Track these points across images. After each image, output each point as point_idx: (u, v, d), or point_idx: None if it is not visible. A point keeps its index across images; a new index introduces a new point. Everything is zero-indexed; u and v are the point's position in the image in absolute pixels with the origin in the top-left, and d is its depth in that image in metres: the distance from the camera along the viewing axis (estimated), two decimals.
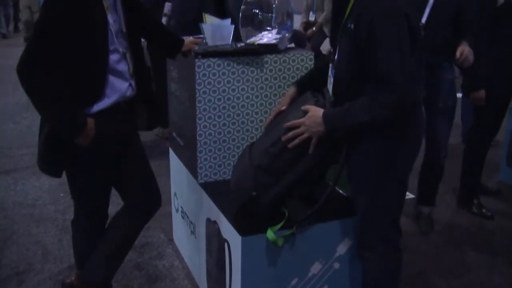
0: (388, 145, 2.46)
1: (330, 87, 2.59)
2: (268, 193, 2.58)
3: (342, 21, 2.46)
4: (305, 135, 2.47)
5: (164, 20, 5.62)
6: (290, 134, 2.50)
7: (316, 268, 2.77)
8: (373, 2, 2.31)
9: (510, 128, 5.31)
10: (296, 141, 2.49)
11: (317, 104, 2.52)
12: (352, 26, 2.35)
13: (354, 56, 2.37)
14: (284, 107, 2.75)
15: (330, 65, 2.59)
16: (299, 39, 3.50)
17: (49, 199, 4.83)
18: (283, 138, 2.52)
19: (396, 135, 2.45)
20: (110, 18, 2.73)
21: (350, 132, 2.46)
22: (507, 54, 4.28)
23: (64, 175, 2.89)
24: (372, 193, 2.53)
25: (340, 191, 2.97)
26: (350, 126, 2.39)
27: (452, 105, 4.13)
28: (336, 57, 2.53)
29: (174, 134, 3.60)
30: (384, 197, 2.53)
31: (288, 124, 2.52)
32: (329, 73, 2.61)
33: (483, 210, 4.60)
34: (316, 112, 2.46)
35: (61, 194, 4.81)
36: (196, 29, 3.32)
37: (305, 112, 2.50)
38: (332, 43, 2.59)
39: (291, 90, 2.83)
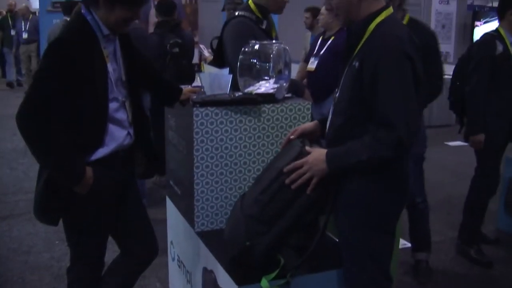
0: (375, 195, 2.47)
1: (328, 123, 2.63)
2: (262, 242, 2.56)
3: (350, 59, 2.51)
4: (308, 175, 2.47)
5: None
6: (294, 175, 2.50)
7: None
8: (379, 43, 2.36)
9: (507, 176, 5.33)
10: (300, 181, 2.49)
11: (302, 150, 2.54)
12: (357, 64, 2.40)
13: (356, 93, 2.41)
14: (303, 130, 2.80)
15: (333, 101, 2.64)
16: (296, 89, 3.51)
17: (44, 246, 4.80)
18: (287, 181, 2.51)
19: (384, 185, 2.47)
20: (110, 67, 2.76)
21: (339, 176, 2.48)
22: (505, 101, 4.37)
23: (60, 221, 2.88)
24: (360, 243, 2.53)
25: (333, 237, 2.95)
26: (351, 164, 2.40)
27: (423, 151, 4.23)
28: (338, 93, 2.57)
29: (171, 182, 3.60)
30: (371, 247, 2.52)
31: (290, 166, 2.52)
32: (330, 109, 2.66)
33: (482, 257, 4.59)
34: (319, 151, 2.50)
35: (57, 242, 4.79)
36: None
37: (296, 158, 2.52)
38: (338, 81, 2.62)
39: (314, 123, 2.85)
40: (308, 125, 2.86)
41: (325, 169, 2.45)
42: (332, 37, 5.24)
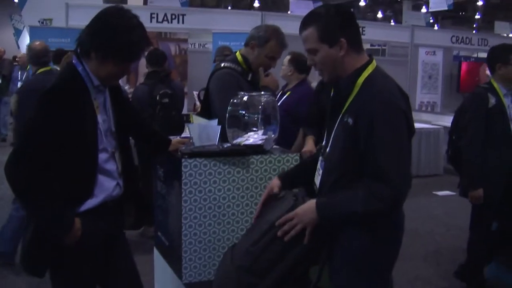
0: (368, 246, 2.46)
1: (317, 179, 2.62)
2: None
3: (339, 115, 2.52)
4: (299, 226, 2.46)
5: None
6: (286, 226, 2.48)
7: None
8: (373, 98, 2.38)
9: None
10: (292, 232, 2.47)
11: (296, 203, 2.54)
12: (351, 121, 2.41)
13: (351, 150, 2.42)
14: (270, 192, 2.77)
15: (320, 158, 2.64)
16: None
17: None
18: (279, 233, 2.50)
19: (377, 236, 2.46)
20: (100, 118, 2.77)
21: (334, 227, 2.48)
22: (501, 154, 4.40)
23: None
24: None
25: None
26: (343, 215, 2.41)
27: None
28: (328, 149, 2.57)
29: (159, 233, 3.58)
30: None
31: (281, 220, 2.51)
32: (318, 165, 2.65)
33: None
34: (308, 202, 2.48)
35: None
36: None
37: (288, 211, 2.51)
38: (326, 136, 2.63)
39: (275, 182, 2.83)
40: (275, 183, 2.82)
41: (316, 219, 2.44)
42: (289, 92, 5.26)
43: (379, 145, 2.33)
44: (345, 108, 2.49)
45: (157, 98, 6.03)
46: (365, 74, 2.49)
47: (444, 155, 8.12)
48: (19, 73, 13.30)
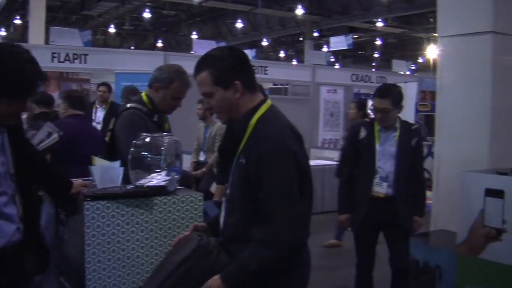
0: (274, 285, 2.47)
1: (221, 221, 2.63)
2: None
3: (235, 156, 2.53)
4: None
5: None
6: None
7: None
8: (263, 139, 2.40)
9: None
10: None
11: (200, 243, 2.52)
12: (244, 161, 2.43)
13: (247, 191, 2.43)
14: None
15: (224, 199, 2.65)
16: (187, 180, 3.56)
17: None
18: None
19: (283, 277, 2.46)
20: None
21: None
22: (361, 185, 4.63)
23: None
24: None
25: None
26: (247, 277, 2.38)
27: None
28: (228, 191, 2.59)
29: (62, 279, 3.49)
30: None
31: None
32: (222, 207, 2.65)
33: None
34: (213, 278, 2.41)
35: None
36: None
37: (194, 251, 2.50)
38: (226, 178, 2.65)
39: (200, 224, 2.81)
40: (201, 224, 2.83)
41: (222, 285, 2.38)
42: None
43: (266, 188, 2.35)
44: (240, 149, 2.50)
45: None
46: (259, 114, 2.50)
47: None
48: None
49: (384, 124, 4.55)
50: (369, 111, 7.88)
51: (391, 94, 4.46)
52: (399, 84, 5.07)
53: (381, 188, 4.50)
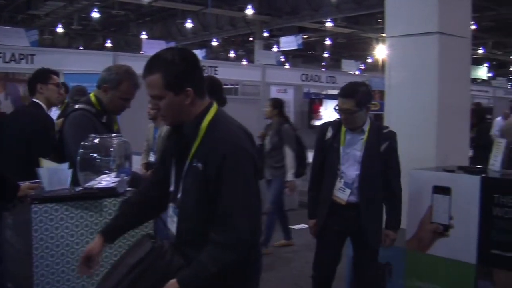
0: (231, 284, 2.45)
1: (173, 226, 2.59)
2: None
3: (186, 159, 2.51)
4: None
5: None
6: None
7: None
8: (222, 142, 2.40)
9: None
10: None
11: (154, 245, 2.50)
12: (200, 165, 2.41)
13: (203, 195, 2.41)
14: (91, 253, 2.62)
15: (171, 204, 2.61)
16: (137, 181, 3.52)
17: None
18: None
19: (238, 275, 2.45)
20: None
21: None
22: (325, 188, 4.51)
23: None
24: None
25: None
26: (203, 280, 2.35)
27: None
28: (179, 196, 2.55)
29: (9, 285, 3.42)
30: None
31: None
32: (171, 213, 2.62)
33: None
34: (170, 282, 2.37)
35: None
36: None
37: (148, 253, 2.47)
38: (175, 182, 2.61)
39: (98, 240, 2.66)
40: (98, 241, 2.66)
41: None
42: None
43: (226, 190, 2.35)
44: (192, 152, 2.48)
45: None
46: (208, 117, 2.50)
47: (299, 190, 8.42)
48: None
49: (349, 126, 4.26)
50: (286, 109, 7.93)
51: (355, 94, 4.17)
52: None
53: (343, 194, 4.22)
